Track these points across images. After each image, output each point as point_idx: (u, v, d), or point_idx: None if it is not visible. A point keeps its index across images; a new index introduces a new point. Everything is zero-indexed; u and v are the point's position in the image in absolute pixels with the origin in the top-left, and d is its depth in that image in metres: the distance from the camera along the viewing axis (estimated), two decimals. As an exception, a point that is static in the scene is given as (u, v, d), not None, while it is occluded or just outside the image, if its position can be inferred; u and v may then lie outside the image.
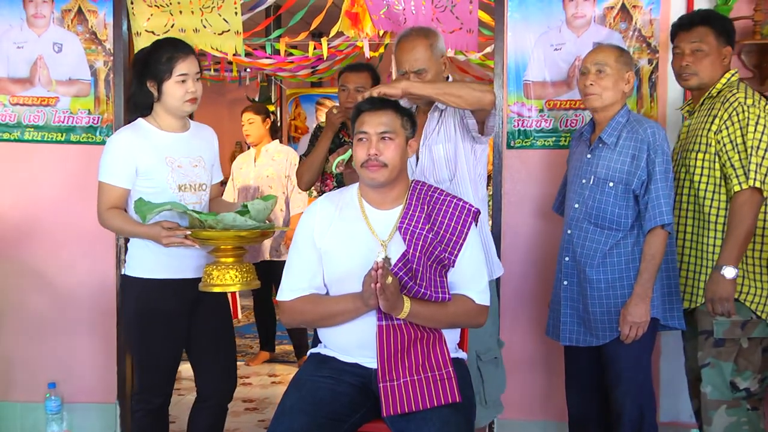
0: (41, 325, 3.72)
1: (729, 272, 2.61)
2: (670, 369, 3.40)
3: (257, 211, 2.63)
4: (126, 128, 2.78)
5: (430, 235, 2.37)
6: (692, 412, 3.00)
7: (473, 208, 2.43)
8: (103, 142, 3.65)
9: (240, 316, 6.48)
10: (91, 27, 3.65)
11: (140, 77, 2.73)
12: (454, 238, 2.38)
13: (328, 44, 5.77)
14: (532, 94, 3.52)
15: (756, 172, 2.61)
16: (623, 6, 3.43)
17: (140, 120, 2.78)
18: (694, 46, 2.78)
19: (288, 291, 2.45)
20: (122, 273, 2.84)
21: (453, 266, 2.39)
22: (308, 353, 2.59)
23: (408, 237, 2.36)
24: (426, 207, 2.42)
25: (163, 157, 2.73)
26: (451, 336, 2.48)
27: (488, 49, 5.76)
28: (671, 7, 3.40)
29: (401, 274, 2.32)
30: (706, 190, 2.73)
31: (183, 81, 2.69)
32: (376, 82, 3.37)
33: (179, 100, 2.71)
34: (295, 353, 5.13)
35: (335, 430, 2.31)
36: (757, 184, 2.61)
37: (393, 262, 2.34)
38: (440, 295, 2.36)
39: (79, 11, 3.65)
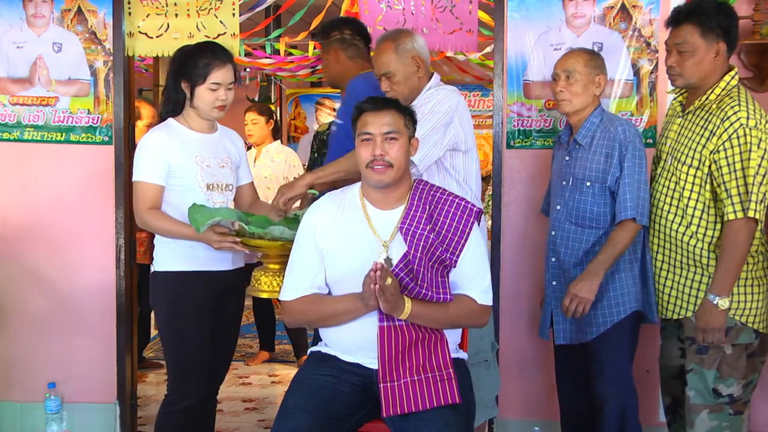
0: (41, 325, 3.72)
1: (723, 303, 2.55)
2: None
3: None
4: (157, 128, 2.84)
5: (432, 236, 2.37)
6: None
7: (475, 208, 2.43)
8: (102, 142, 3.66)
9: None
10: (91, 27, 3.64)
11: (177, 74, 2.79)
12: (456, 239, 2.38)
13: (328, 44, 5.76)
14: (532, 94, 3.51)
15: (755, 202, 2.50)
16: (623, 6, 3.42)
17: (170, 120, 2.84)
18: (679, 46, 2.65)
19: (290, 291, 2.45)
20: (152, 271, 2.87)
21: (454, 266, 2.39)
22: (308, 351, 2.60)
23: (409, 238, 2.36)
24: (428, 207, 2.41)
25: (192, 156, 2.78)
26: (452, 337, 2.48)
27: (488, 49, 5.78)
28: (671, 7, 3.38)
29: (402, 274, 2.32)
30: (695, 209, 2.65)
31: (215, 89, 2.76)
32: None
33: (208, 106, 2.78)
34: (294, 353, 5.12)
35: (337, 429, 2.31)
36: (757, 215, 2.52)
37: (394, 262, 2.34)
38: (441, 296, 2.36)
39: (79, 11, 3.65)
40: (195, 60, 2.76)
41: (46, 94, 3.66)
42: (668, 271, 2.76)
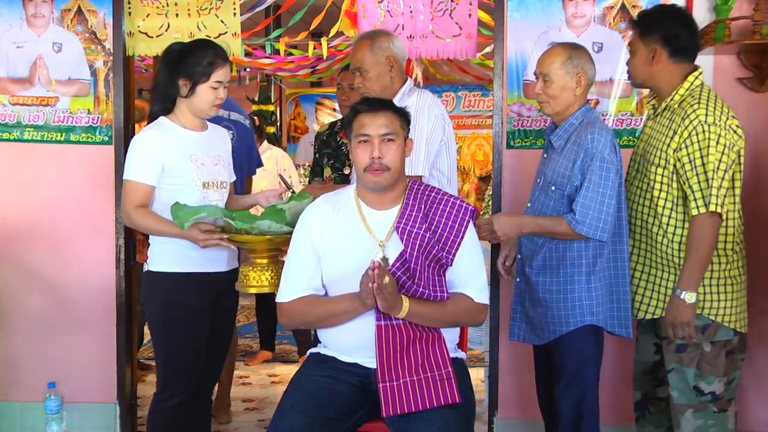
0: (41, 325, 3.72)
1: (690, 297, 2.56)
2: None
3: (293, 215, 2.66)
4: (150, 127, 2.82)
5: (428, 235, 2.37)
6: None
7: (471, 207, 2.44)
8: (102, 142, 3.66)
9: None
10: (91, 27, 3.64)
11: (173, 72, 2.76)
12: (452, 237, 2.39)
13: (328, 44, 5.79)
14: (532, 94, 3.49)
15: (716, 196, 2.53)
16: (623, 6, 3.42)
17: (163, 118, 2.82)
18: (629, 46, 2.83)
19: (286, 292, 2.45)
20: (145, 270, 2.86)
21: (451, 265, 2.40)
22: (308, 353, 2.60)
23: (406, 237, 2.36)
24: (423, 206, 2.42)
25: (187, 155, 2.77)
26: (450, 336, 2.48)
27: (488, 49, 5.78)
28: (671, 7, 3.40)
29: (399, 273, 2.33)
30: (664, 207, 2.68)
31: (216, 88, 2.76)
32: None
33: (208, 104, 2.78)
34: (298, 351, 5.12)
35: (335, 429, 2.31)
36: (718, 209, 2.54)
37: (391, 261, 2.34)
38: (439, 294, 2.36)
39: (79, 11, 3.65)
40: (198, 58, 2.74)
41: (46, 94, 3.66)
42: (642, 271, 2.77)
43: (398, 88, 2.98)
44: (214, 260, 2.81)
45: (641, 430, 2.93)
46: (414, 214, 2.40)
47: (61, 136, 3.67)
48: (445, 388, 2.30)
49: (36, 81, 3.66)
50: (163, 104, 2.81)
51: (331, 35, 5.40)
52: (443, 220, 2.40)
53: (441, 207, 2.42)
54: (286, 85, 9.25)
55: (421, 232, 2.37)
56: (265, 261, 2.70)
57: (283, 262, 2.71)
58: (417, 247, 2.36)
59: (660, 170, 2.68)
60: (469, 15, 3.61)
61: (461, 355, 2.57)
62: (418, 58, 4.99)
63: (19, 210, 3.70)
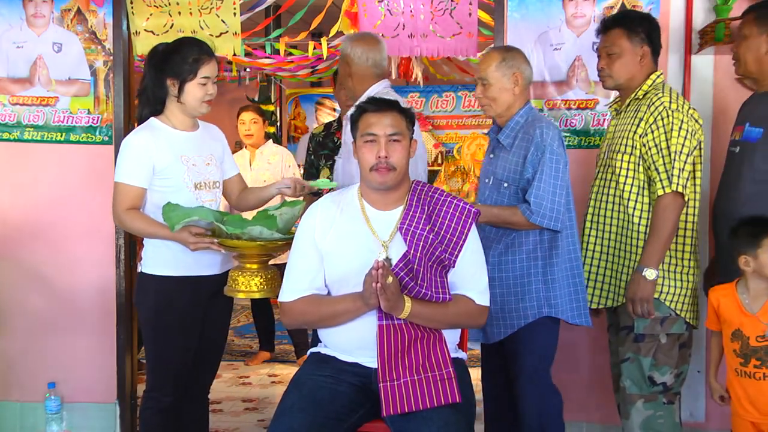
0: (41, 325, 3.72)
1: (650, 274, 2.67)
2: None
3: (285, 221, 2.66)
4: (141, 128, 2.79)
5: (431, 236, 2.37)
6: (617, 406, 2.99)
7: (473, 209, 2.44)
8: (102, 142, 3.66)
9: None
10: (91, 27, 3.65)
11: (159, 72, 2.75)
12: (455, 239, 2.39)
13: (328, 44, 5.78)
14: (532, 94, 3.51)
15: (678, 177, 2.65)
16: (623, 6, 3.42)
17: (153, 119, 2.80)
18: (608, 49, 2.85)
19: (289, 292, 2.45)
20: (139, 271, 2.86)
21: (453, 267, 2.40)
22: (308, 352, 2.60)
23: (409, 238, 2.36)
24: (426, 208, 2.42)
25: (178, 156, 2.76)
26: (451, 336, 2.48)
27: (488, 49, 5.77)
28: (671, 7, 3.40)
29: (402, 274, 2.33)
30: (630, 192, 2.77)
31: (204, 83, 2.75)
32: None
33: (198, 101, 2.76)
34: (295, 352, 5.12)
35: (335, 429, 2.31)
36: (680, 189, 2.65)
37: (394, 262, 2.34)
38: (441, 296, 2.36)
39: (79, 11, 3.65)
40: (183, 56, 2.72)
41: (46, 94, 3.67)
42: (606, 261, 2.85)
43: (361, 93, 3.00)
44: (207, 264, 2.80)
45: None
46: (417, 215, 2.40)
47: (61, 136, 3.68)
48: (446, 388, 2.30)
49: (36, 81, 3.67)
50: (153, 107, 2.79)
51: (331, 35, 5.39)
52: (446, 221, 2.40)
53: (444, 209, 2.42)
54: (286, 85, 9.24)
55: (425, 233, 2.37)
56: (254, 266, 2.68)
57: (273, 267, 2.73)
58: (420, 248, 2.36)
59: (626, 157, 2.78)
60: (470, 14, 3.61)
61: (462, 355, 2.57)
62: (418, 57, 4.99)
63: (19, 210, 3.70)
